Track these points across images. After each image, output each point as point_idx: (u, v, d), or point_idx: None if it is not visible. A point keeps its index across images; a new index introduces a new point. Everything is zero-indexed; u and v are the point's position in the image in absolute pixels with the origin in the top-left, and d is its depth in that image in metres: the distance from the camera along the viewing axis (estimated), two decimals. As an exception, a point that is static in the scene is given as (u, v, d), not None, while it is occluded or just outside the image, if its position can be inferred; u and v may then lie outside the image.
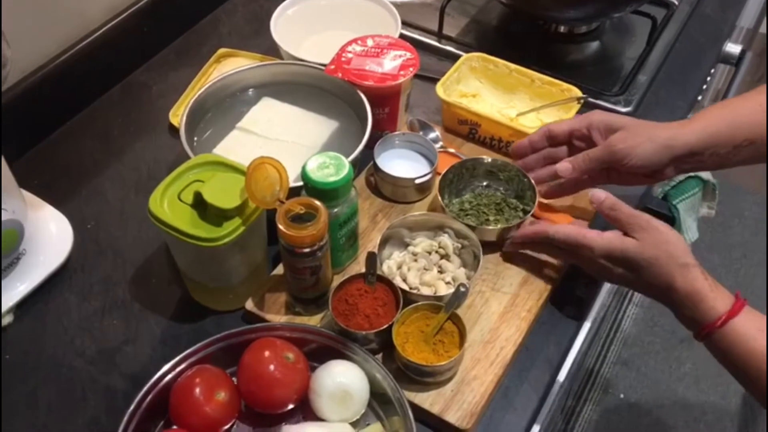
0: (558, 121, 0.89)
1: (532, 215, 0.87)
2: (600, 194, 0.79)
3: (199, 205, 0.74)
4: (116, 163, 0.98)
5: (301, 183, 0.77)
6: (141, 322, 0.82)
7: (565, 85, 0.98)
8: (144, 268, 0.87)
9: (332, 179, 0.74)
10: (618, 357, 1.98)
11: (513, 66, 1.00)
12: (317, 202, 0.73)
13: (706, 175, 1.18)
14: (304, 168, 0.75)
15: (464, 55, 1.02)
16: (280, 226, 0.71)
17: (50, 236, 0.86)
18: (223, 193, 0.73)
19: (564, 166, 0.84)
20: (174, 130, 1.02)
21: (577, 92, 0.97)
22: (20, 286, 0.83)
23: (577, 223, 0.88)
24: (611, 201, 0.78)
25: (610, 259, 0.76)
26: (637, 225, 0.75)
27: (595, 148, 0.83)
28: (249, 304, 0.81)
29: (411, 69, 0.94)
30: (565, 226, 0.80)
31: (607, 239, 0.76)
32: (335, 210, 0.77)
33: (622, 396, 1.89)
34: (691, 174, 1.18)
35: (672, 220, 1.17)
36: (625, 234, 0.76)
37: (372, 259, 0.77)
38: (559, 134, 0.87)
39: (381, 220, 0.90)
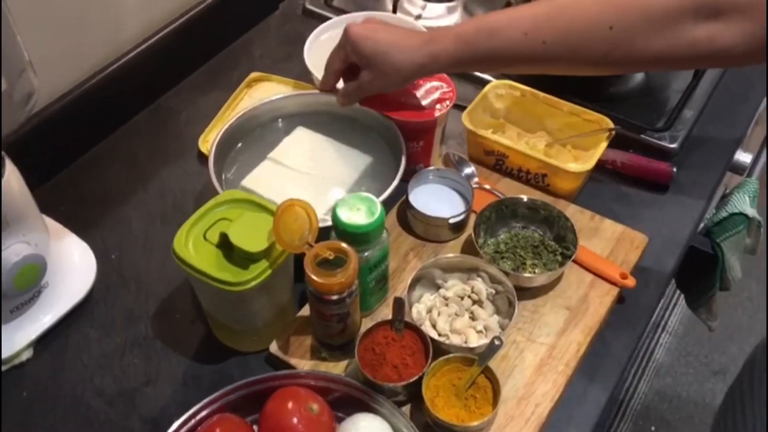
0: (330, 61, 0.89)
1: (573, 260, 0.83)
2: None
3: (225, 245, 0.71)
4: (142, 191, 0.96)
5: (330, 223, 0.74)
6: (162, 361, 0.80)
7: (596, 115, 0.94)
8: (167, 303, 0.85)
9: (363, 222, 0.71)
10: (650, 387, 1.93)
11: (541, 94, 0.96)
12: (347, 247, 0.69)
13: (751, 211, 1.13)
14: (334, 210, 0.72)
15: (491, 83, 0.98)
16: (308, 273, 0.68)
17: (73, 267, 0.84)
18: (249, 235, 0.70)
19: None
20: (202, 158, 0.99)
21: (608, 123, 0.92)
22: (42, 319, 0.81)
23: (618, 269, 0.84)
24: None
25: None
26: None
27: (353, 87, 0.86)
28: (273, 347, 0.78)
29: (447, 103, 0.90)
30: None
31: None
32: (366, 254, 0.73)
33: (653, 429, 1.84)
34: (736, 211, 1.13)
35: (715, 258, 1.13)
36: None
37: (400, 306, 0.73)
38: (339, 71, 0.88)
39: (412, 259, 0.86)
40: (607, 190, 0.97)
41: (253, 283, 0.69)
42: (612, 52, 0.71)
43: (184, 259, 0.70)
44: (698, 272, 1.14)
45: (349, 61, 0.86)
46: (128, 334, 0.82)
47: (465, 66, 0.81)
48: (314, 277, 0.68)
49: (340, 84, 0.90)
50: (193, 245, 0.72)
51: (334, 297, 0.70)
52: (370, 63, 0.82)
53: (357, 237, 0.71)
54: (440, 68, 0.81)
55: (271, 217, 0.71)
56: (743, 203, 1.14)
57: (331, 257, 0.69)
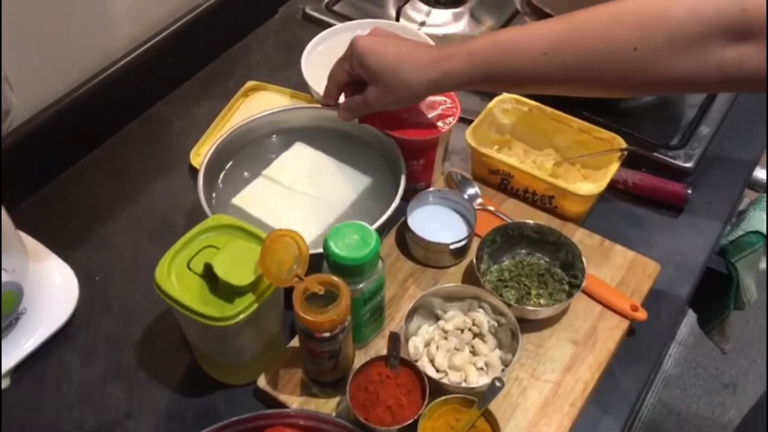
0: (333, 74, 0.84)
1: (582, 290, 0.78)
2: None
3: (210, 275, 0.67)
4: (131, 206, 0.92)
5: (321, 250, 0.70)
6: (145, 393, 0.75)
7: (607, 134, 0.88)
8: (152, 330, 0.80)
9: (357, 255, 0.67)
10: (658, 399, 1.88)
11: (549, 110, 0.91)
12: (339, 281, 0.65)
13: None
14: (326, 241, 0.68)
15: (497, 97, 0.93)
16: (297, 309, 0.64)
17: (54, 291, 0.80)
18: (236, 266, 0.66)
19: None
20: (194, 171, 0.95)
21: (620, 142, 0.87)
22: (21, 346, 0.77)
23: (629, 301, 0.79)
24: None
25: None
26: None
27: (357, 102, 0.81)
28: (261, 381, 0.73)
29: (450, 120, 0.86)
30: None
31: None
32: (360, 286, 0.69)
33: (661, 442, 1.80)
34: (752, 229, 1.08)
35: (729, 279, 1.08)
36: None
37: (395, 341, 0.69)
38: (343, 84, 0.84)
39: (411, 286, 0.82)
40: (617, 211, 0.92)
41: (239, 318, 0.65)
42: (635, 74, 0.67)
43: (166, 291, 0.66)
44: (711, 293, 1.10)
45: (355, 74, 0.81)
46: (110, 362, 0.78)
47: (479, 85, 0.76)
48: (304, 315, 0.64)
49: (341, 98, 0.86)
50: (176, 275, 0.67)
51: (326, 334, 0.65)
52: (379, 78, 0.77)
53: (350, 269, 0.67)
54: (453, 86, 0.77)
55: (259, 247, 0.66)
56: (760, 221, 1.08)
57: (322, 292, 0.64)
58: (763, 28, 0.61)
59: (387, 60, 0.76)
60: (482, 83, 0.75)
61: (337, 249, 0.67)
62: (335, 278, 0.65)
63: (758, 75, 0.62)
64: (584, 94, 0.75)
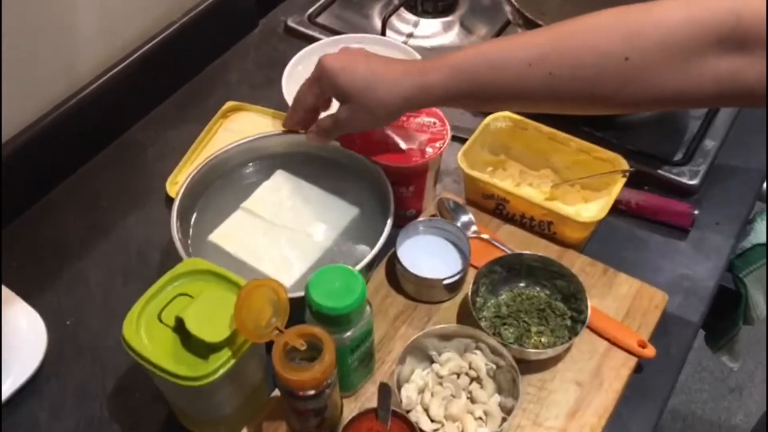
0: (300, 97, 0.79)
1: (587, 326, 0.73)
2: None
3: (182, 329, 0.62)
4: (103, 243, 0.87)
5: (302, 293, 0.64)
6: (119, 450, 0.70)
7: (608, 154, 0.83)
8: (126, 378, 0.75)
9: (342, 304, 0.61)
10: (662, 405, 1.84)
11: (546, 129, 0.86)
12: (322, 333, 0.60)
13: (776, 241, 1.03)
14: (307, 289, 0.62)
15: (490, 115, 0.88)
16: (278, 368, 0.58)
17: (20, 340, 0.75)
18: (210, 319, 0.61)
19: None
20: (172, 201, 0.89)
21: (622, 163, 0.82)
22: (-16, 401, 0.72)
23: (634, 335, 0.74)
24: None
25: None
26: None
27: (328, 123, 0.77)
28: (243, 437, 0.68)
29: (440, 143, 0.80)
30: None
31: None
32: (346, 335, 0.64)
33: (667, 451, 1.76)
34: (759, 241, 1.03)
35: (738, 295, 1.03)
36: None
37: (385, 394, 0.64)
38: (311, 108, 0.79)
39: (402, 324, 0.76)
40: (620, 235, 0.87)
41: (215, 377, 0.60)
42: (626, 87, 0.62)
43: (134, 347, 0.61)
44: (719, 310, 1.05)
45: (325, 96, 0.76)
46: (81, 416, 0.73)
47: (459, 100, 0.71)
48: (284, 374, 0.58)
49: None
50: (146, 329, 0.62)
51: (310, 392, 0.60)
52: (350, 98, 0.72)
53: (335, 319, 0.62)
54: (431, 101, 0.71)
55: (237, 294, 0.61)
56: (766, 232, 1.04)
57: (303, 347, 0.59)
58: (759, 40, 0.56)
59: (359, 78, 0.71)
60: (463, 98, 0.70)
61: (320, 298, 0.61)
62: (318, 330, 0.60)
63: (753, 89, 0.58)
64: (572, 110, 0.70)
